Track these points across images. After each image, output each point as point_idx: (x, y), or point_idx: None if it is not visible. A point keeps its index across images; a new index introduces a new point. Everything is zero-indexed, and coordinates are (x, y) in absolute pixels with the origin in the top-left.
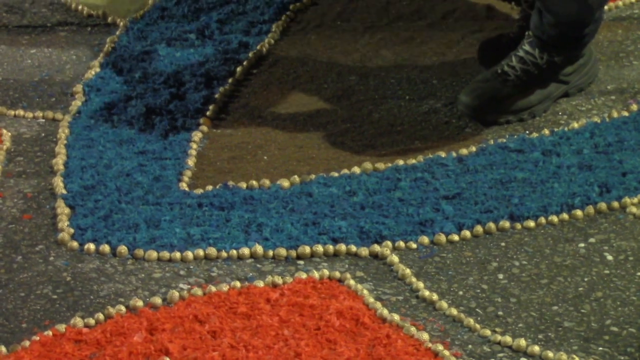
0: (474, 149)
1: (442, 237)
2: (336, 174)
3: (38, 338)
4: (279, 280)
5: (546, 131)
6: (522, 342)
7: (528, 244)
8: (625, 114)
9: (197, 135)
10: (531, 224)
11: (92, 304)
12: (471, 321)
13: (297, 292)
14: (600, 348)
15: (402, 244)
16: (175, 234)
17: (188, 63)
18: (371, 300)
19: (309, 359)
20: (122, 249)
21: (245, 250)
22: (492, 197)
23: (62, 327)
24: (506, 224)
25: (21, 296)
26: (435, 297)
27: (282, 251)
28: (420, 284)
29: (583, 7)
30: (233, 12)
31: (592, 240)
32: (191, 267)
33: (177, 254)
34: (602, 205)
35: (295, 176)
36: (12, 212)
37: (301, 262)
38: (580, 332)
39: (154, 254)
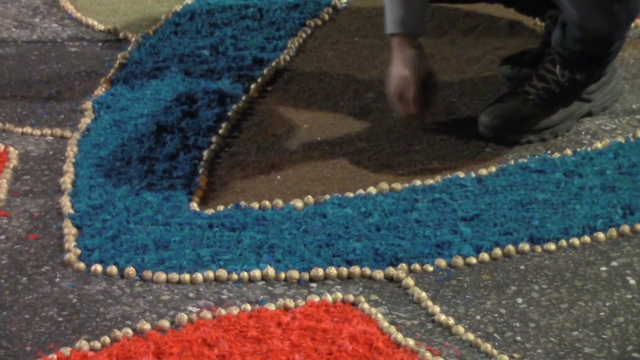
0: (493, 169)
1: (460, 260)
2: (351, 195)
3: None
4: (290, 303)
5: (568, 151)
6: None
7: (548, 268)
8: None
9: (208, 154)
10: (552, 246)
11: (99, 327)
12: (488, 347)
13: (309, 316)
14: None
15: (418, 266)
16: (184, 255)
17: (201, 80)
18: (385, 324)
19: None
20: (130, 270)
21: (257, 273)
22: (512, 219)
23: (67, 351)
24: (526, 246)
25: (26, 318)
26: (451, 321)
27: (295, 273)
28: (436, 308)
29: (611, 22)
30: (248, 28)
31: (614, 263)
32: (201, 289)
33: (187, 276)
34: (625, 228)
35: (309, 196)
36: (18, 232)
37: (314, 284)
38: (601, 359)
39: (162, 276)
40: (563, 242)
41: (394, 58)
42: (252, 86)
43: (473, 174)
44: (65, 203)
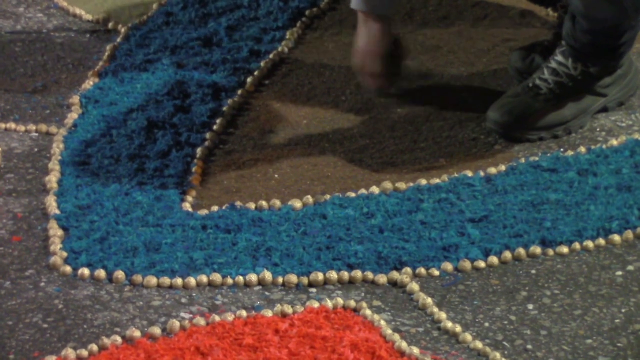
0: (503, 167)
1: (467, 264)
2: (353, 194)
3: None
4: (288, 309)
5: (582, 149)
6: None
7: (560, 272)
8: None
9: (202, 151)
10: (564, 249)
11: (86, 334)
12: (497, 355)
13: (308, 323)
14: None
15: (423, 270)
16: (176, 259)
17: (194, 73)
18: (389, 331)
19: None
20: (119, 274)
21: (253, 277)
22: (522, 220)
23: (52, 359)
24: (537, 249)
25: (9, 325)
26: (458, 328)
27: (293, 278)
28: (443, 315)
29: (618, 11)
30: (244, 18)
31: (630, 267)
32: (193, 294)
33: (179, 280)
34: None
35: (309, 196)
36: (1, 234)
37: (313, 289)
38: None
39: (153, 280)
40: (576, 245)
41: (358, 32)
42: (249, 79)
43: (481, 173)
44: (51, 203)
